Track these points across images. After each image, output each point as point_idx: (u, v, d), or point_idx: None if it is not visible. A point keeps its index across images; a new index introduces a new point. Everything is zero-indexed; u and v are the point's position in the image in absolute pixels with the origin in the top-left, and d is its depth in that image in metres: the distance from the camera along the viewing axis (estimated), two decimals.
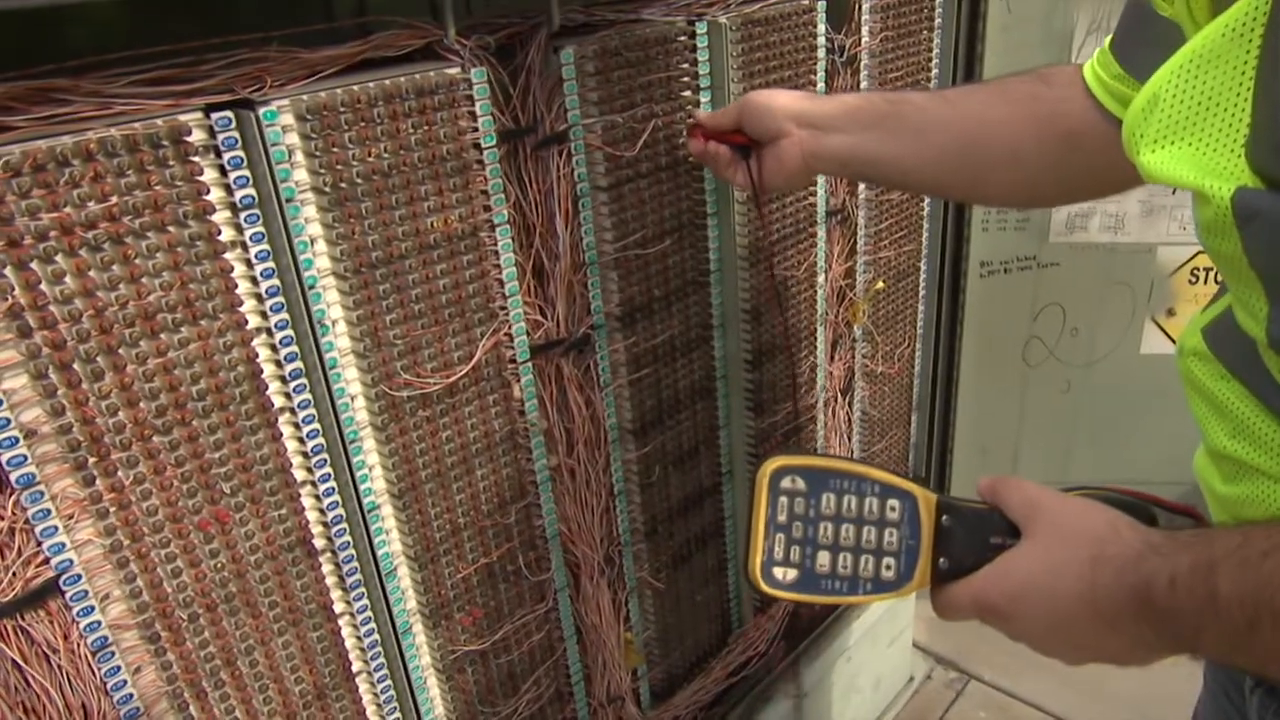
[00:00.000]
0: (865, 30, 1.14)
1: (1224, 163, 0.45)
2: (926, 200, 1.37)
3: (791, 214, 1.10)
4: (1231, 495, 0.57)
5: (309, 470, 0.70)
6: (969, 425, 1.64)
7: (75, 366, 0.55)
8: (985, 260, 1.53)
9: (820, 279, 1.19)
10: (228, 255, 0.61)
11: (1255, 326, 0.49)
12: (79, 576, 0.58)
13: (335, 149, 0.64)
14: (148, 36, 0.58)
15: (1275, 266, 0.45)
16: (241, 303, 0.62)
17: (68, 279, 0.53)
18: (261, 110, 0.59)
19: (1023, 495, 0.60)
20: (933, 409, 1.56)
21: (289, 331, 0.65)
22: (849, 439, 1.38)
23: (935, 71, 1.29)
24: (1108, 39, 0.72)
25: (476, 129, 0.72)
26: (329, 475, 0.71)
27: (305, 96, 0.62)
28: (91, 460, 0.57)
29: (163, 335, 0.58)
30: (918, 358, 1.48)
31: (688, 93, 0.91)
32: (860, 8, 1.13)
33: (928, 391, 1.53)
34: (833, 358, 1.28)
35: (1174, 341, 1.65)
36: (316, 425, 0.69)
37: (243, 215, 0.61)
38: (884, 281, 1.31)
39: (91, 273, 0.54)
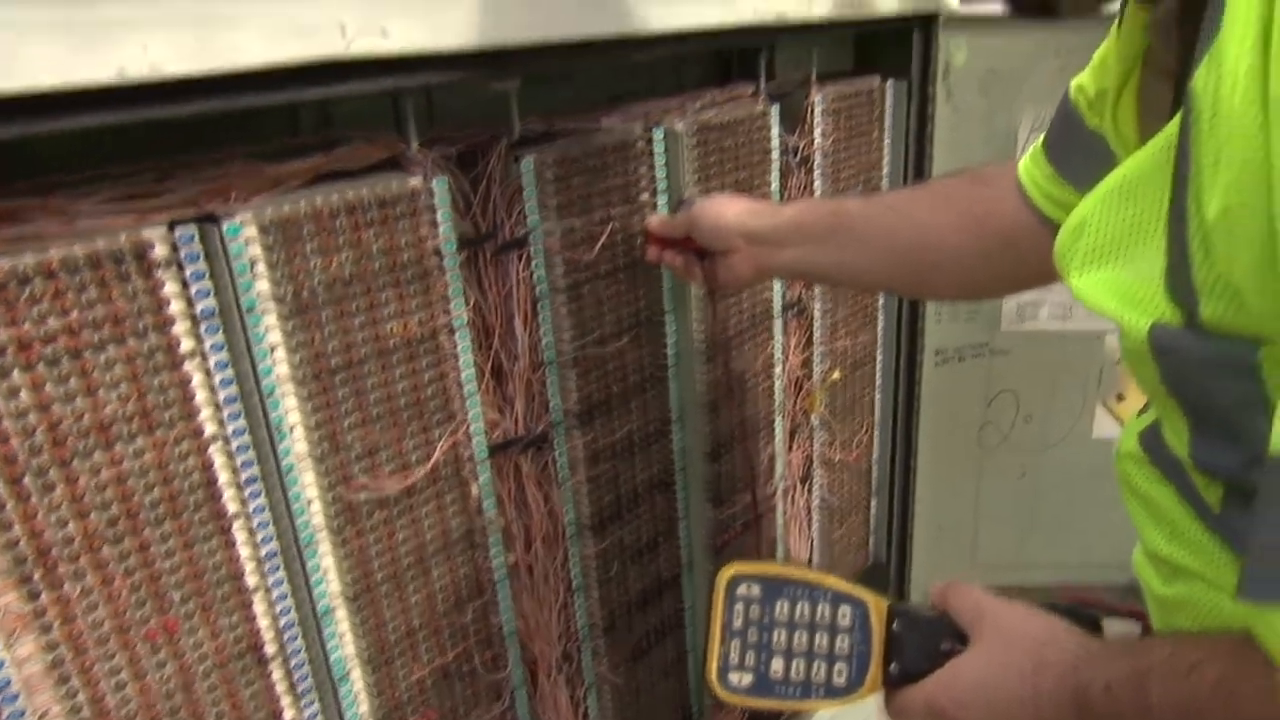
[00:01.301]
0: (818, 131, 1.19)
1: (1145, 292, 0.47)
2: (881, 295, 1.41)
3: (748, 308, 1.13)
4: (1168, 596, 0.59)
5: (261, 576, 0.69)
6: (928, 510, 1.66)
7: (26, 481, 0.55)
8: (940, 349, 1.57)
9: (777, 370, 1.21)
10: (187, 365, 0.61)
11: (1179, 446, 0.51)
12: (17, 695, 0.57)
13: (297, 259, 0.66)
14: (119, 153, 0.60)
15: (1192, 398, 0.47)
16: (199, 411, 0.62)
17: (23, 394, 0.54)
18: (225, 225, 0.61)
19: (971, 601, 0.61)
20: (891, 495, 1.58)
21: (246, 438, 0.66)
22: (809, 527, 1.39)
23: (887, 168, 1.34)
24: (1040, 138, 0.76)
25: (437, 236, 0.74)
26: (282, 580, 0.71)
27: (269, 209, 0.64)
28: (38, 574, 0.56)
29: (118, 446, 0.58)
30: (876, 445, 1.50)
31: (645, 196, 0.94)
32: (813, 110, 1.18)
33: (886, 478, 1.55)
34: (791, 447, 1.30)
35: (1120, 422, 1.69)
36: (271, 530, 0.69)
37: (203, 326, 0.62)
38: (841, 371, 1.34)
39: (48, 387, 0.55)
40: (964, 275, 0.83)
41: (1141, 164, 0.47)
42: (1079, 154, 0.70)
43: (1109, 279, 0.49)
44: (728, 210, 0.87)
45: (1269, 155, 0.36)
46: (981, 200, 0.80)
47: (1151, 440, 0.59)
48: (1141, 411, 0.63)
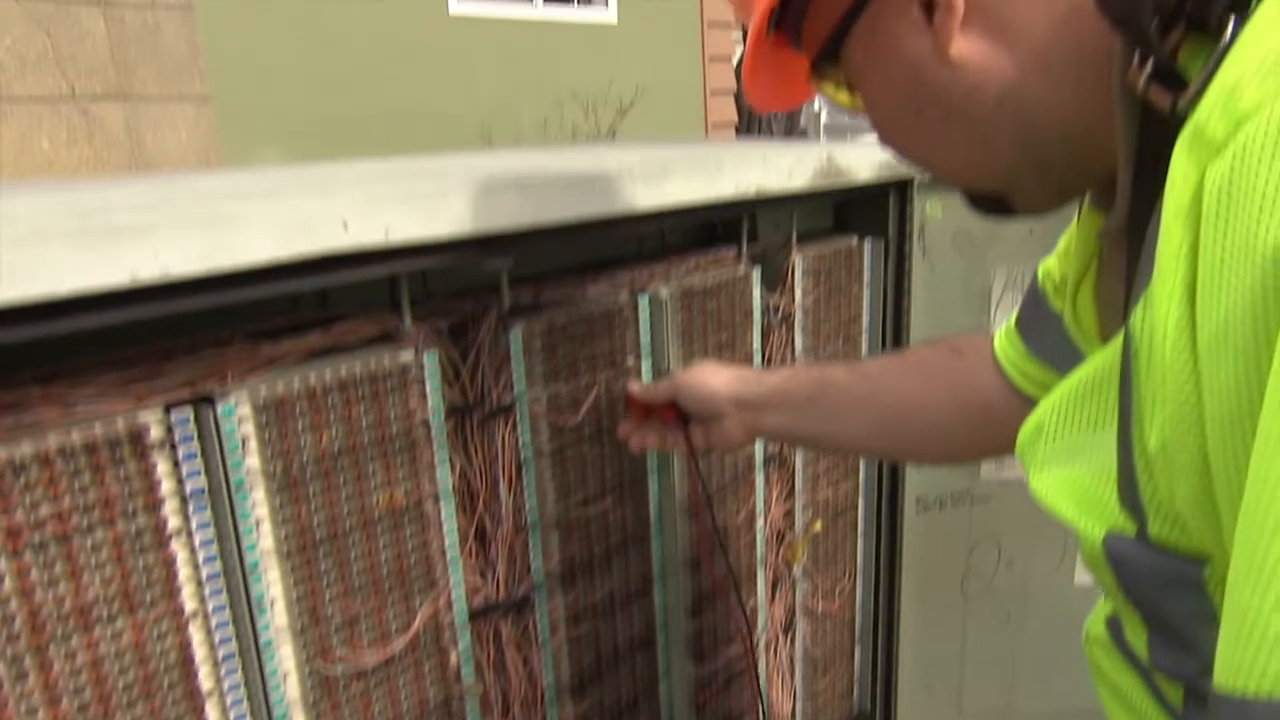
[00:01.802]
0: (799, 291, 1.23)
1: (1100, 498, 0.48)
2: None
3: (730, 463, 1.14)
4: None
5: None
6: (912, 658, 1.64)
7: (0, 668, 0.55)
8: (921, 496, 1.58)
9: (759, 522, 1.22)
10: (172, 544, 0.62)
11: (1139, 646, 0.52)
12: None
13: (289, 436, 0.67)
14: (123, 338, 0.62)
15: (1147, 607, 0.48)
16: (180, 590, 0.63)
17: (5, 582, 0.54)
18: (220, 406, 0.63)
19: None
20: (875, 644, 1.56)
21: (226, 614, 0.66)
22: (792, 678, 1.37)
23: (866, 323, 1.38)
24: (1014, 314, 0.79)
25: (426, 408, 0.76)
26: None
27: (264, 388, 0.66)
28: None
29: (96, 629, 0.59)
30: (859, 594, 1.49)
31: (630, 360, 0.97)
32: (793, 271, 1.22)
33: (870, 627, 1.54)
34: (773, 598, 1.30)
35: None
36: (245, 708, 0.68)
37: (191, 505, 0.63)
38: (822, 522, 1.35)
39: (33, 574, 0.55)
40: (943, 443, 0.86)
41: (1094, 372, 0.49)
42: (1048, 334, 0.73)
43: (1066, 482, 0.50)
44: (714, 379, 0.90)
45: (1200, 401, 0.38)
46: (959, 372, 0.83)
47: (1116, 630, 0.60)
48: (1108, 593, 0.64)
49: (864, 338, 1.38)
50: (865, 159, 1.24)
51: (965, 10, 0.51)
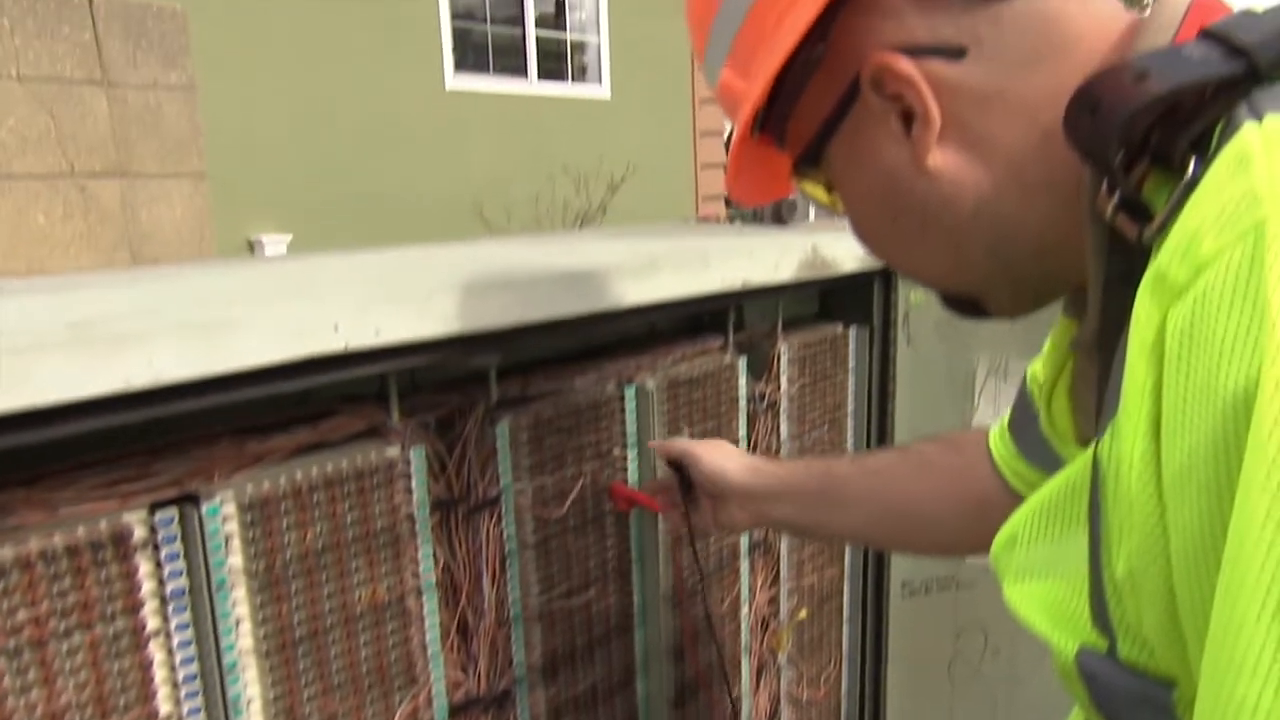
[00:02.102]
0: (784, 378, 1.24)
1: (1072, 612, 0.47)
2: None
3: (715, 550, 1.14)
4: None
5: None
6: None
7: None
8: (906, 580, 1.58)
9: (744, 610, 1.21)
10: (150, 646, 0.62)
11: None
12: None
13: (273, 535, 0.67)
14: (111, 437, 0.62)
15: (1117, 712, 0.47)
16: (156, 692, 0.62)
17: None
18: (205, 506, 0.63)
19: None
20: None
21: (201, 717, 0.65)
22: None
23: (851, 409, 1.40)
24: (1007, 414, 0.80)
25: (411, 503, 0.77)
26: None
27: (250, 486, 0.66)
28: None
29: None
30: (844, 681, 1.48)
31: (616, 451, 0.98)
32: (779, 359, 1.24)
33: (855, 714, 1.52)
34: (757, 687, 1.28)
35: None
36: None
37: (171, 605, 0.62)
38: (808, 610, 1.34)
39: (4, 680, 0.55)
40: (943, 537, 0.87)
41: (1065, 485, 0.49)
42: (1035, 436, 0.74)
43: (1039, 594, 0.50)
44: (729, 462, 0.91)
45: (1165, 534, 0.39)
46: (959, 469, 0.84)
47: None
48: None
49: (849, 424, 1.39)
50: (850, 250, 1.27)
51: (942, 124, 0.52)
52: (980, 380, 1.55)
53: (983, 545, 0.91)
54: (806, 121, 0.58)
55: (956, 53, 0.52)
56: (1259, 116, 0.40)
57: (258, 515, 0.66)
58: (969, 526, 0.83)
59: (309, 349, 0.62)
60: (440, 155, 5.51)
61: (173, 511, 0.62)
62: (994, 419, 1.73)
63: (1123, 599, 0.43)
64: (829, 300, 1.42)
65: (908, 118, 0.53)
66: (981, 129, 0.53)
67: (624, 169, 5.77)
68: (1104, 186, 0.47)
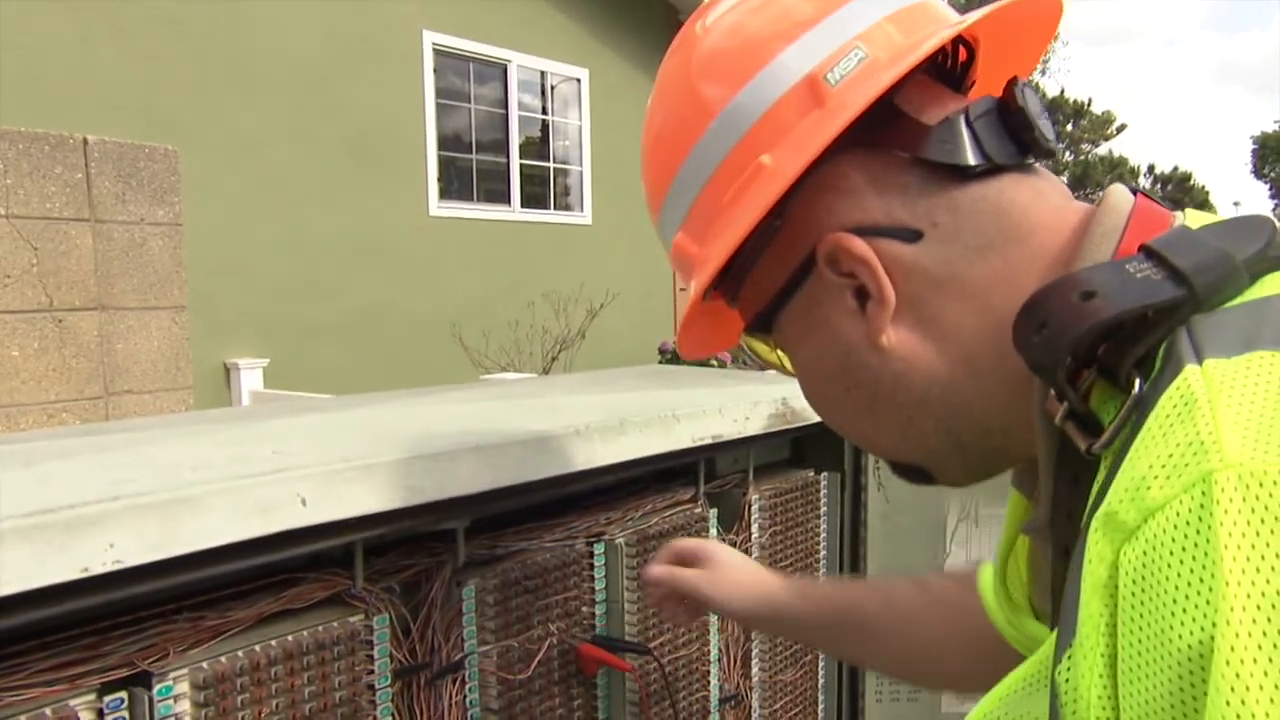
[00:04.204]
0: (755, 526, 1.24)
1: None
2: (821, 675, 1.40)
3: (685, 705, 1.12)
4: None
5: None
6: None
7: None
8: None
9: None
10: None
11: None
12: None
13: (227, 714, 0.66)
14: (62, 622, 0.61)
15: None
16: None
17: None
18: (156, 688, 0.62)
19: None
20: None
21: None
22: None
23: (823, 554, 1.39)
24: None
25: (373, 673, 0.75)
26: None
27: (205, 664, 0.65)
28: None
29: None
30: None
31: (585, 609, 0.96)
32: (750, 507, 1.24)
33: None
34: None
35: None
36: None
37: None
38: None
39: None
40: (952, 673, 0.85)
41: (1028, 677, 0.49)
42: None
43: None
44: (745, 581, 0.89)
45: None
46: (975, 610, 0.81)
47: None
48: None
49: (821, 569, 1.38)
50: None
51: (897, 303, 0.53)
52: (952, 526, 1.56)
53: (990, 683, 0.87)
54: (760, 289, 0.59)
55: (912, 235, 0.53)
56: (1199, 358, 0.41)
57: (212, 694, 0.65)
58: (985, 667, 0.79)
59: (275, 526, 0.62)
60: (422, 280, 5.60)
61: (123, 695, 0.60)
62: (964, 563, 1.73)
63: None
64: (800, 446, 1.43)
65: (862, 295, 0.54)
66: (935, 310, 0.54)
67: (604, 295, 5.88)
68: (1051, 395, 0.48)
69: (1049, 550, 0.54)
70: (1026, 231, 0.53)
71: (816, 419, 1.27)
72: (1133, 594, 0.37)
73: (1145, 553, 0.37)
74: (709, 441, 1.05)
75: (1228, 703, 0.32)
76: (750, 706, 1.26)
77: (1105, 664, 0.39)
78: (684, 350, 0.69)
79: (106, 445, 0.76)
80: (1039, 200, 0.54)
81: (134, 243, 2.02)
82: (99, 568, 0.53)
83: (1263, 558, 0.34)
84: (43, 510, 0.52)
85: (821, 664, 1.40)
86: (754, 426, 1.14)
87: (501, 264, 6.05)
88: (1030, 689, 0.49)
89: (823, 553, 1.39)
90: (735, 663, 1.23)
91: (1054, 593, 0.52)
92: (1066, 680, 0.42)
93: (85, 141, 1.96)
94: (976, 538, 1.55)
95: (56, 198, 1.91)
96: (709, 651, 1.14)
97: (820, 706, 1.41)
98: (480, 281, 5.88)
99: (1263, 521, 0.34)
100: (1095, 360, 0.47)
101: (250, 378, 4.62)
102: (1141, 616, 0.37)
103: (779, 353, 0.63)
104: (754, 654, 1.25)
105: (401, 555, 0.84)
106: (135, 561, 0.55)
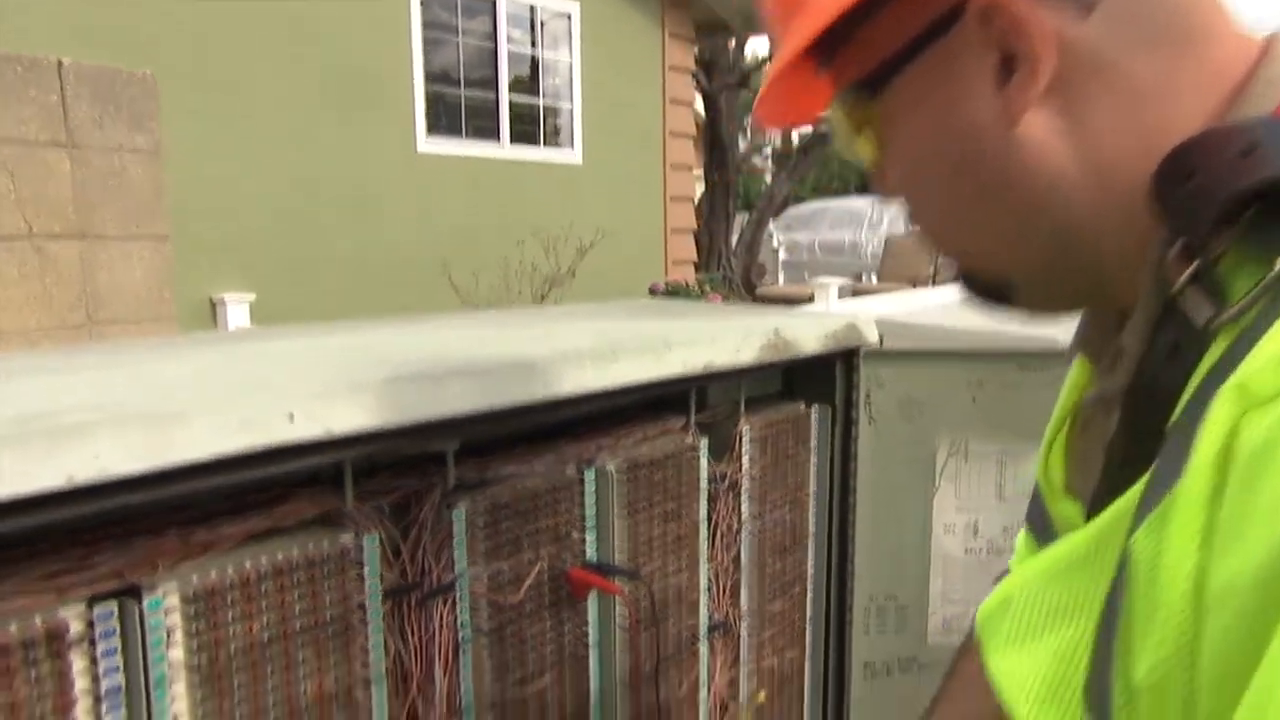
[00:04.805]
0: (746, 459, 1.25)
1: (1063, 693, 0.43)
2: (809, 606, 1.42)
3: (675, 634, 1.13)
4: None
5: None
6: None
7: None
8: (868, 661, 1.57)
9: (703, 694, 1.19)
10: None
11: None
12: None
13: (217, 628, 0.65)
14: (49, 527, 0.61)
15: None
16: None
17: None
18: (147, 600, 0.61)
19: None
20: None
21: None
22: None
23: (813, 489, 1.40)
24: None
25: (363, 591, 0.75)
26: None
27: (195, 578, 0.64)
28: None
29: None
30: None
31: (575, 534, 0.97)
32: (741, 439, 1.24)
33: None
34: None
35: None
36: None
37: (104, 704, 0.60)
38: (766, 693, 1.32)
39: None
40: None
41: (1072, 554, 0.45)
42: (1043, 518, 0.66)
43: (1027, 669, 0.45)
44: None
45: (1199, 646, 0.36)
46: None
47: None
48: None
49: (811, 503, 1.39)
50: (812, 331, 1.29)
51: (1048, 86, 0.46)
52: (941, 461, 1.57)
53: None
54: (877, 44, 0.50)
55: (1084, 6, 0.45)
56: None
57: (202, 607, 0.65)
58: None
59: (262, 440, 0.61)
60: (410, 217, 5.53)
61: (112, 605, 0.60)
62: (954, 499, 1.74)
63: (1133, 701, 0.39)
64: (792, 379, 1.43)
65: (1008, 66, 0.46)
66: (1084, 102, 0.46)
67: (594, 233, 5.83)
68: (1177, 247, 0.43)
69: (1110, 423, 0.49)
70: (1203, 38, 0.46)
71: (809, 351, 1.27)
72: (1250, 464, 0.35)
73: (1272, 426, 0.34)
74: (701, 370, 1.05)
75: None
76: (739, 635, 1.28)
77: (1201, 535, 0.36)
78: (761, 116, 0.61)
79: (91, 363, 0.74)
80: (1222, 7, 0.47)
81: (113, 170, 1.98)
82: (85, 477, 0.52)
83: None
84: (27, 417, 0.50)
85: (810, 595, 1.41)
86: (746, 357, 1.13)
87: (490, 202, 5.98)
88: (1077, 564, 0.45)
89: (813, 486, 1.39)
90: (725, 592, 1.24)
91: (1110, 468, 0.47)
92: (1145, 550, 0.39)
93: (60, 64, 1.91)
94: (966, 473, 1.56)
95: (32, 122, 1.87)
96: (699, 580, 1.15)
97: (808, 637, 1.43)
98: (470, 219, 5.82)
99: None
100: (1237, 221, 0.41)
101: (237, 313, 4.59)
102: (1256, 486, 0.34)
103: (863, 136, 0.54)
104: (743, 584, 1.26)
105: (391, 477, 0.83)
106: (121, 472, 0.54)
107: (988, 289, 0.54)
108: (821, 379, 1.41)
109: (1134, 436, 0.45)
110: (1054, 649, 0.44)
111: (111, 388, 0.60)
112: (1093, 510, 0.48)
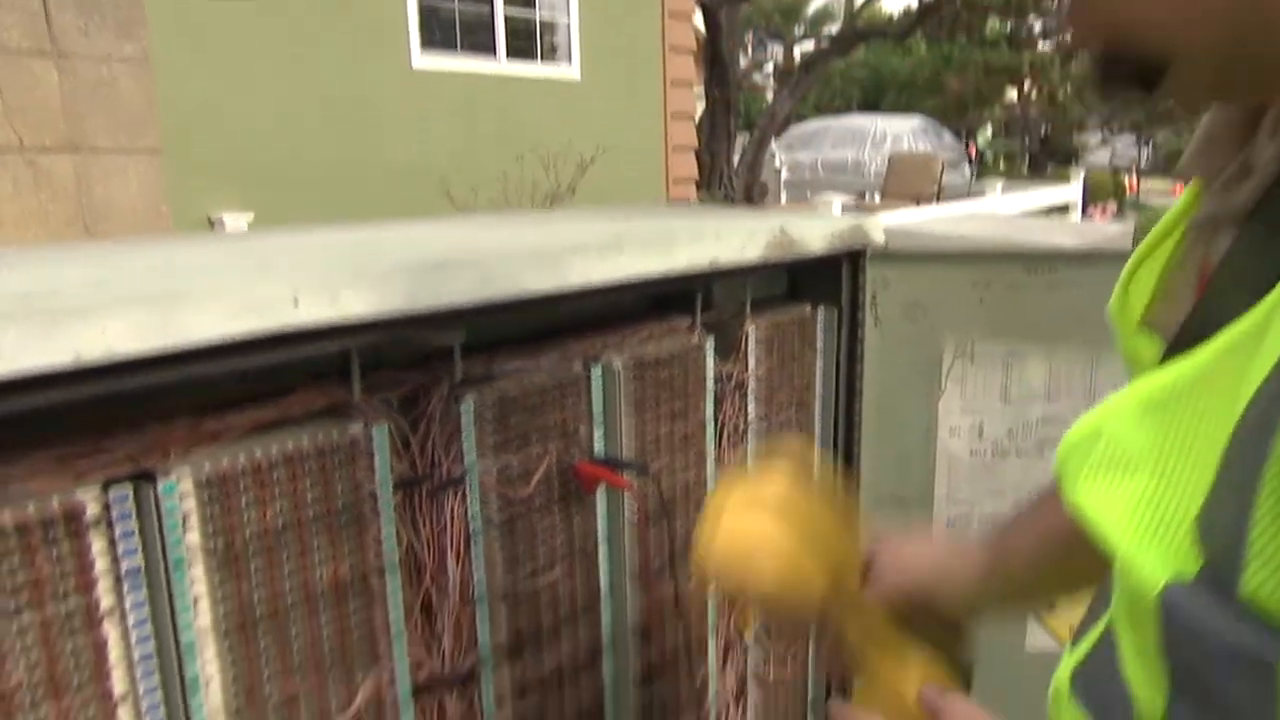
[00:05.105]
0: (752, 359, 1.25)
1: (1166, 526, 0.39)
2: None
3: (681, 529, 1.14)
4: None
5: None
6: None
7: None
8: None
9: (712, 589, 1.22)
10: (104, 625, 0.60)
11: (1150, 709, 0.43)
12: None
13: (232, 513, 0.66)
14: (61, 412, 0.61)
15: (1193, 679, 0.39)
16: (110, 672, 0.61)
17: None
18: (161, 483, 0.62)
19: None
20: (828, 712, 1.55)
21: (158, 696, 0.64)
22: None
23: (819, 390, 1.40)
24: None
25: (374, 481, 0.76)
26: None
27: (207, 464, 0.65)
28: None
29: (17, 716, 0.57)
30: (810, 660, 1.49)
31: (582, 429, 0.97)
32: (747, 339, 1.24)
33: (822, 695, 1.53)
34: (724, 666, 1.29)
35: (1058, 639, 1.71)
36: None
37: (126, 584, 0.61)
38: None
39: None
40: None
41: (1182, 380, 0.41)
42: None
43: (1125, 500, 0.41)
44: (919, 561, 0.78)
45: None
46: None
47: (1093, 676, 0.50)
48: (1077, 638, 0.54)
49: (817, 405, 1.39)
50: (818, 230, 1.27)
51: None
52: (947, 363, 1.57)
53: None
54: None
55: None
56: None
57: (216, 492, 0.65)
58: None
59: (268, 324, 0.61)
60: (406, 133, 5.45)
61: (127, 488, 0.60)
62: (959, 401, 1.74)
63: None
64: (797, 281, 1.42)
65: None
66: None
67: (593, 150, 5.74)
68: None
69: (1214, 248, 0.46)
70: None
71: (815, 250, 1.26)
72: None
73: None
74: (706, 266, 1.04)
75: None
76: None
77: None
78: None
79: (93, 254, 0.73)
80: None
81: (102, 80, 1.94)
82: (91, 356, 0.52)
83: None
84: (32, 295, 0.50)
85: None
86: (751, 254, 1.12)
87: (488, 118, 5.88)
88: (1183, 393, 0.41)
89: (819, 388, 1.40)
90: None
91: (1216, 293, 0.45)
92: None
93: None
94: (972, 375, 1.56)
95: (14, 28, 1.81)
96: (705, 477, 1.16)
97: None
98: (467, 135, 5.73)
99: None
100: None
101: (235, 232, 4.56)
102: None
103: None
104: None
105: (399, 371, 0.83)
106: (128, 351, 0.54)
107: (1136, 70, 0.48)
108: (827, 281, 1.40)
109: (1256, 256, 0.42)
110: (1155, 480, 0.40)
111: (117, 271, 0.59)
112: (1179, 341, 0.45)
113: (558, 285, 0.84)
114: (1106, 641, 0.47)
